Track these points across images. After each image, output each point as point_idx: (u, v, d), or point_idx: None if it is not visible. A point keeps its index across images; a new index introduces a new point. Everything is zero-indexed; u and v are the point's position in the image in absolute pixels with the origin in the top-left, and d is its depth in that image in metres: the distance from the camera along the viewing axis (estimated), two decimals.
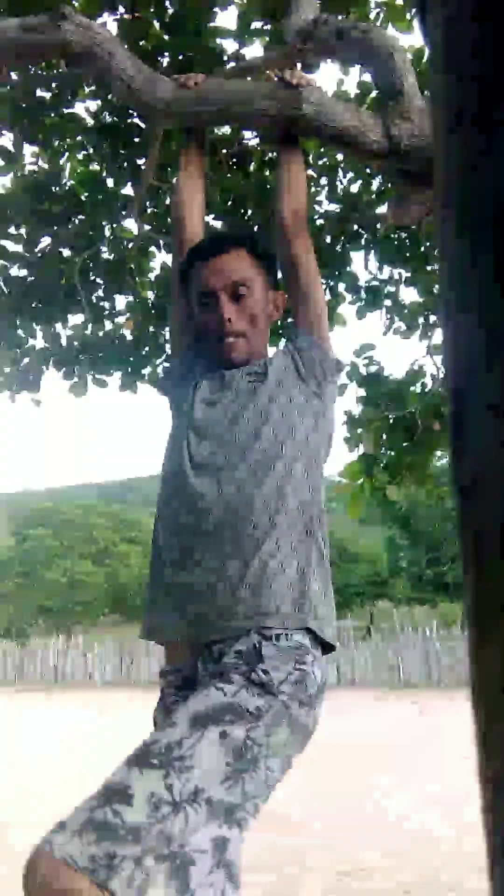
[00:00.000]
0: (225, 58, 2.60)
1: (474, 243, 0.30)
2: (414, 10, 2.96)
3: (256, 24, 2.61)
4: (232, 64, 2.62)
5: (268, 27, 2.60)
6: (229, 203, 2.94)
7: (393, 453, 3.25)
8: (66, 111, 2.67)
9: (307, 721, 1.16)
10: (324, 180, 3.09)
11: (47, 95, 2.64)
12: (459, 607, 21.07)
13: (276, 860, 3.85)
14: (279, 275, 1.55)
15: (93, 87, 2.68)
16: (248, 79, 2.37)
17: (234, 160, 2.90)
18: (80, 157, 2.71)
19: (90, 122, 2.74)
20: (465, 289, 0.30)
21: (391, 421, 3.32)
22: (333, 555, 24.34)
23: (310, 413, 1.38)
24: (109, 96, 2.63)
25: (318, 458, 1.37)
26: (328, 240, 3.12)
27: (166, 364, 1.57)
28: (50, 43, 1.69)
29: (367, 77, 2.88)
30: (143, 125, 2.68)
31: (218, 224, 3.03)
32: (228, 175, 2.88)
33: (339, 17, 2.51)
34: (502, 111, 0.28)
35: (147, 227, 2.83)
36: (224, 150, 2.85)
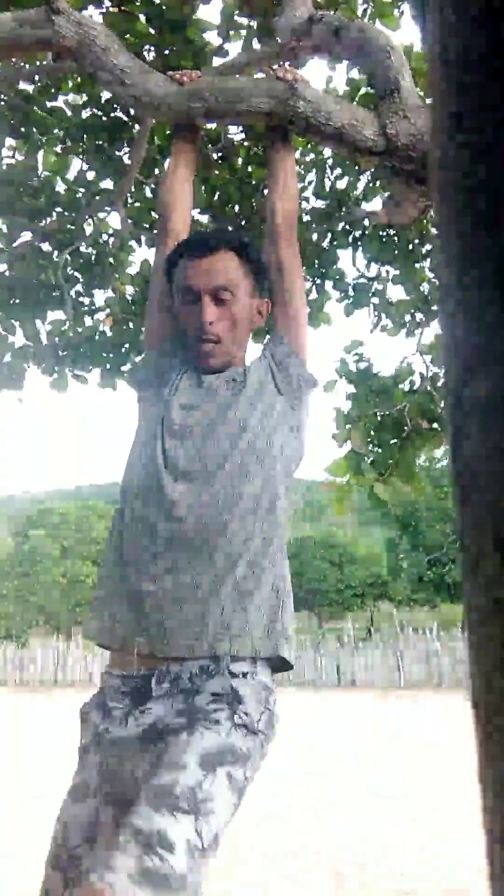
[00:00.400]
0: (210, 52, 2.59)
1: (473, 244, 0.30)
2: (408, 10, 2.95)
3: (241, 20, 2.61)
4: (218, 59, 2.61)
5: (252, 23, 2.60)
6: (215, 198, 2.93)
7: (381, 450, 3.24)
8: (49, 104, 2.67)
9: (266, 752, 1.23)
10: (311, 177, 3.08)
11: (30, 89, 2.63)
12: (460, 608, 21.04)
13: (278, 861, 3.83)
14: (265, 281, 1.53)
15: (77, 82, 2.68)
16: (242, 75, 2.36)
17: (220, 155, 2.89)
18: (58, 150, 2.70)
19: (72, 116, 2.73)
20: (464, 290, 0.30)
21: (379, 418, 3.31)
22: (334, 556, 24.25)
23: (286, 425, 1.38)
24: (95, 90, 2.62)
25: (290, 471, 1.37)
26: (315, 237, 3.11)
27: (141, 357, 1.56)
28: (43, 37, 1.69)
29: (356, 74, 2.88)
30: (126, 119, 2.67)
31: (203, 219, 3.02)
32: (215, 171, 2.87)
33: (334, 14, 2.52)
34: (501, 111, 0.28)
35: (129, 221, 2.82)
36: (210, 145, 2.85)
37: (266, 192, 1.77)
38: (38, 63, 2.60)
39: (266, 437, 1.33)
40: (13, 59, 2.53)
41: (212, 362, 1.40)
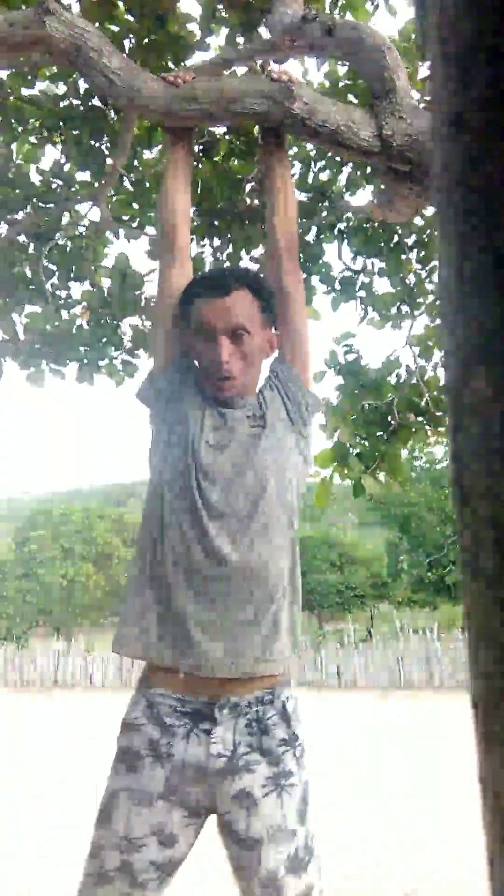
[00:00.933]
0: (189, 43, 2.59)
1: (474, 244, 0.30)
2: (383, 4, 2.95)
3: (223, 14, 2.61)
4: (200, 53, 2.62)
5: (233, 17, 2.60)
6: (197, 192, 2.93)
7: (367, 443, 3.24)
8: (26, 93, 2.65)
9: None
10: (294, 170, 3.08)
11: (5, 76, 2.62)
12: (460, 609, 20.98)
13: None
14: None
15: (54, 71, 2.67)
16: (233, 72, 2.36)
17: (202, 149, 2.90)
18: (33, 139, 2.69)
19: (51, 105, 2.72)
20: (464, 289, 0.30)
21: (367, 411, 3.31)
22: (334, 558, 24.14)
23: (299, 457, 1.49)
24: (72, 79, 2.61)
25: (299, 495, 1.49)
26: (299, 231, 3.11)
27: (147, 375, 1.62)
28: (34, 38, 1.69)
29: (330, 66, 2.87)
30: (104, 109, 2.66)
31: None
32: (197, 164, 2.88)
33: (329, 13, 2.52)
34: (502, 111, 0.28)
35: (110, 217, 2.82)
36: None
37: (265, 213, 1.77)
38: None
39: (285, 475, 1.44)
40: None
41: (227, 396, 1.49)
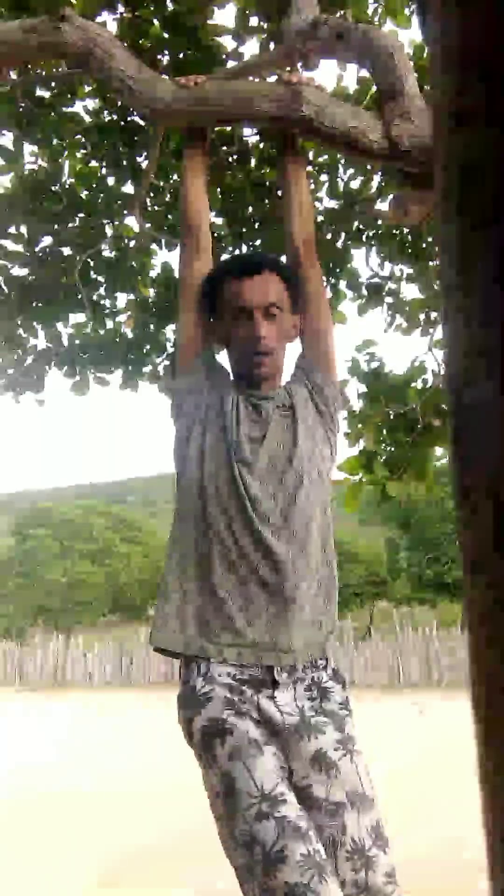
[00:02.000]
0: (224, 56, 2.61)
1: (475, 243, 0.30)
2: (414, 8, 2.97)
3: (254, 22, 2.62)
4: (231, 63, 2.62)
5: (265, 25, 2.61)
6: (229, 201, 2.95)
7: (393, 449, 3.26)
8: (65, 110, 2.68)
9: None
10: (323, 177, 3.10)
11: (46, 94, 2.64)
12: (459, 607, 21.05)
13: None
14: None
15: (93, 86, 2.69)
16: (250, 78, 2.37)
17: (235, 157, 2.91)
18: (79, 155, 2.72)
19: (89, 120, 2.75)
20: (465, 290, 0.30)
21: (392, 417, 3.33)
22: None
23: (329, 451, 1.53)
24: (110, 95, 2.63)
25: (330, 487, 1.55)
26: (328, 237, 3.12)
27: (174, 367, 1.64)
28: (50, 44, 1.70)
29: (366, 73, 2.89)
30: (143, 123, 2.69)
31: (217, 221, 3.04)
32: (228, 172, 2.89)
33: (339, 16, 2.52)
34: (502, 111, 0.28)
35: (147, 226, 2.84)
36: (224, 148, 2.86)
37: (282, 211, 1.79)
38: (54, 69, 2.62)
39: (318, 465, 1.48)
40: (29, 66, 2.54)
41: (264, 373, 1.51)
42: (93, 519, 27.08)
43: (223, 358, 1.67)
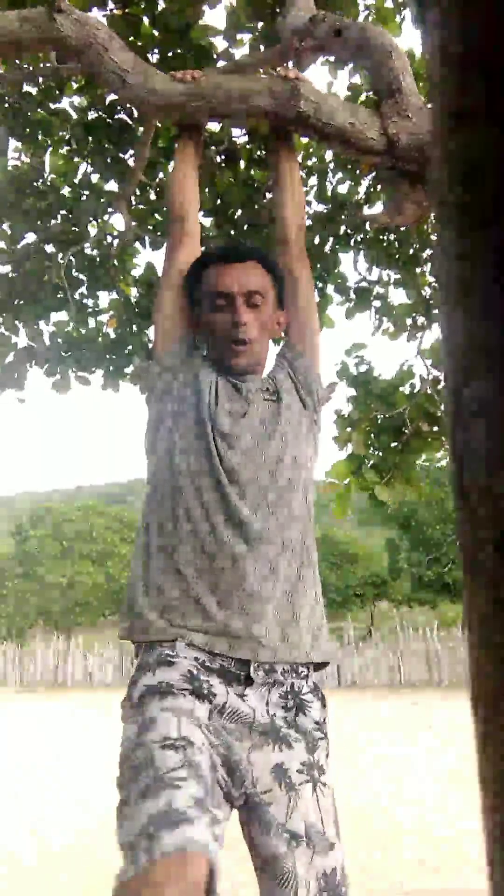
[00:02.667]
0: (214, 56, 2.60)
1: (473, 244, 0.29)
2: (410, 11, 2.95)
3: (246, 24, 2.61)
4: (222, 63, 2.61)
5: (258, 25, 2.60)
6: (218, 201, 2.94)
7: (381, 454, 3.25)
8: (53, 106, 2.67)
9: None
10: (312, 181, 3.09)
11: (34, 91, 2.63)
12: (459, 608, 21.03)
13: None
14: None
15: (81, 84, 2.68)
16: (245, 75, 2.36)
17: (224, 158, 2.90)
18: (62, 151, 2.71)
19: (76, 117, 2.74)
20: (464, 289, 0.30)
21: (380, 421, 3.32)
22: (334, 556, 24.10)
23: (312, 438, 1.47)
24: (99, 92, 2.63)
25: (312, 477, 1.48)
26: (316, 240, 3.12)
27: (152, 354, 1.56)
28: (45, 36, 1.69)
29: (358, 79, 2.88)
30: (130, 121, 2.68)
31: (206, 222, 3.03)
32: (218, 173, 2.88)
33: (337, 15, 2.52)
34: (501, 111, 0.28)
35: (133, 224, 2.83)
36: (213, 148, 2.85)
37: (273, 201, 1.79)
38: (41, 65, 2.61)
39: (302, 451, 1.42)
40: (17, 61, 2.54)
41: (242, 362, 1.45)
42: (93, 520, 27.09)
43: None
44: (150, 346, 3.16)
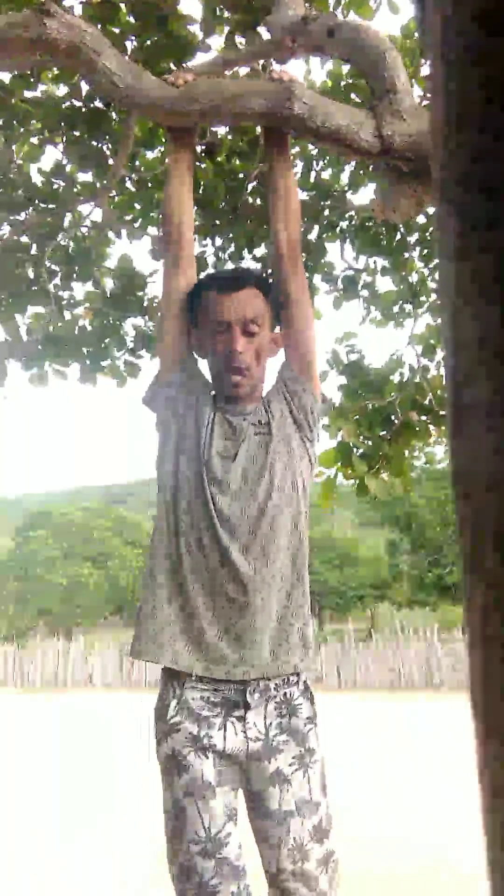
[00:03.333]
0: (190, 44, 2.59)
1: (473, 243, 0.30)
2: (385, 3, 2.95)
3: (224, 14, 2.60)
4: (201, 54, 2.61)
5: (234, 16, 2.59)
6: (200, 192, 2.93)
7: (370, 443, 3.23)
8: (27, 95, 2.64)
9: None
10: (296, 169, 3.08)
11: (7, 78, 2.61)
12: (460, 609, 20.99)
13: None
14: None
15: (55, 73, 2.67)
16: (235, 73, 2.35)
17: (204, 149, 2.89)
18: (35, 141, 2.68)
19: (51, 106, 2.71)
20: (464, 289, 0.30)
21: (370, 410, 3.30)
22: (335, 558, 24.16)
23: (306, 460, 1.53)
24: (74, 80, 2.61)
25: (308, 496, 1.55)
26: (301, 229, 3.10)
27: (152, 380, 1.63)
28: (35, 40, 1.68)
29: (330, 65, 2.87)
30: (106, 110, 2.66)
31: None
32: (200, 164, 2.87)
33: (333, 13, 2.51)
34: (501, 111, 0.28)
35: (113, 216, 2.81)
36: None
37: (257, 196, 1.79)
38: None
39: (293, 480, 1.50)
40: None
41: (241, 391, 1.53)
42: (93, 521, 27.13)
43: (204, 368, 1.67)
44: (128, 339, 3.17)
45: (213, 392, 1.58)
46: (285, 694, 1.47)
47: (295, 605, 1.48)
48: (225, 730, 1.41)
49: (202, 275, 1.72)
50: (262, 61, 2.52)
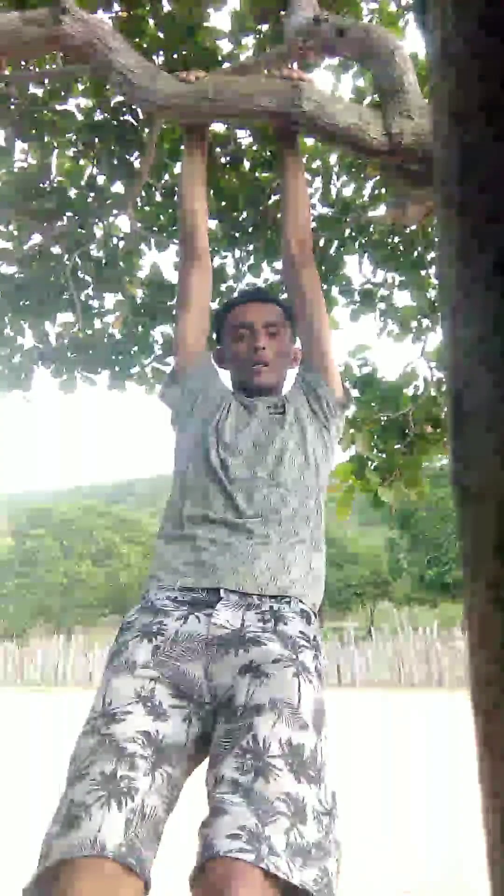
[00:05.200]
0: (219, 58, 2.60)
1: (474, 245, 0.29)
2: (411, 13, 2.96)
3: (251, 26, 2.61)
4: (227, 65, 2.61)
5: (264, 27, 2.60)
6: (223, 203, 2.94)
7: (385, 455, 3.25)
8: (59, 108, 2.67)
9: None
10: (317, 183, 3.10)
11: (40, 92, 2.63)
12: (460, 608, 21.05)
13: None
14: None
15: (86, 85, 2.68)
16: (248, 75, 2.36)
17: (228, 160, 2.90)
18: (70, 153, 2.71)
19: (81, 119, 2.74)
20: (464, 290, 0.30)
21: (384, 423, 3.33)
22: (335, 555, 24.12)
23: (321, 444, 1.52)
24: (107, 88, 2.62)
25: (324, 482, 1.53)
26: (321, 243, 3.12)
27: (168, 375, 1.66)
28: (50, 36, 1.69)
29: (362, 82, 2.89)
30: (135, 123, 2.68)
31: (211, 224, 3.04)
32: (223, 174, 2.88)
33: (340, 15, 2.52)
34: (501, 111, 0.28)
35: (139, 225, 2.83)
36: (218, 149, 2.86)
37: (278, 210, 1.81)
38: (47, 66, 2.61)
39: (306, 455, 1.47)
40: (23, 62, 2.54)
41: (263, 380, 1.56)
42: (93, 519, 27.12)
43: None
44: (157, 347, 3.20)
45: (231, 391, 1.61)
46: (272, 607, 1.24)
47: (302, 557, 1.34)
48: (185, 620, 1.22)
49: (222, 286, 1.77)
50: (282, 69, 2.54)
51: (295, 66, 2.10)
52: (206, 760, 1.15)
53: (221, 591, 1.23)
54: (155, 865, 1.05)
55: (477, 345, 0.29)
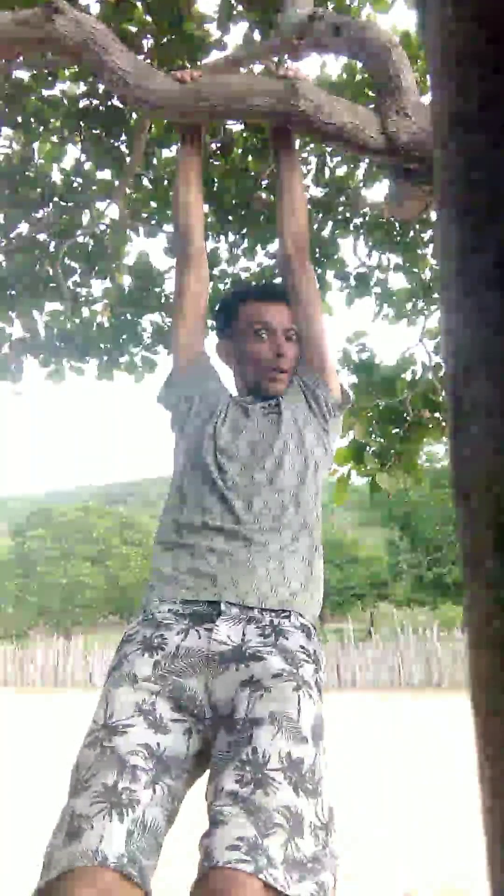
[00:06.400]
0: (206, 43, 2.58)
1: (474, 243, 0.30)
2: (413, 8, 2.94)
3: (239, 13, 2.59)
4: (216, 52, 2.60)
5: (251, 15, 2.58)
6: (213, 189, 2.92)
7: (382, 440, 3.23)
8: (45, 94, 2.65)
9: None
10: (310, 164, 3.07)
11: (26, 77, 2.61)
12: (460, 609, 21.03)
13: None
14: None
15: (74, 70, 2.66)
16: (242, 70, 2.35)
17: (219, 147, 2.88)
18: (54, 139, 2.68)
19: (68, 105, 2.72)
20: (464, 289, 0.30)
21: (381, 408, 3.30)
22: (334, 557, 24.18)
23: (319, 444, 1.52)
24: (91, 79, 2.61)
25: (322, 481, 1.52)
26: (315, 226, 3.10)
27: (165, 378, 1.64)
28: (43, 37, 1.67)
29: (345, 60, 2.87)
30: (123, 108, 2.65)
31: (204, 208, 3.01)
32: (212, 161, 2.86)
33: (331, 10, 2.50)
34: (501, 110, 0.28)
35: (126, 212, 2.81)
36: (208, 137, 2.84)
37: (276, 203, 1.79)
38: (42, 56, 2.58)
39: (303, 456, 1.46)
40: (20, 56, 2.51)
41: (280, 387, 1.55)
42: (93, 520, 27.11)
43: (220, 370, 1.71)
44: (146, 336, 3.17)
45: (230, 394, 1.59)
46: (272, 621, 1.25)
47: (302, 564, 1.35)
48: (186, 634, 1.23)
49: (215, 270, 1.73)
50: (276, 58, 2.52)
51: (290, 63, 2.09)
52: (207, 773, 1.18)
53: (222, 605, 1.26)
54: (155, 876, 1.08)
55: (476, 343, 0.29)
